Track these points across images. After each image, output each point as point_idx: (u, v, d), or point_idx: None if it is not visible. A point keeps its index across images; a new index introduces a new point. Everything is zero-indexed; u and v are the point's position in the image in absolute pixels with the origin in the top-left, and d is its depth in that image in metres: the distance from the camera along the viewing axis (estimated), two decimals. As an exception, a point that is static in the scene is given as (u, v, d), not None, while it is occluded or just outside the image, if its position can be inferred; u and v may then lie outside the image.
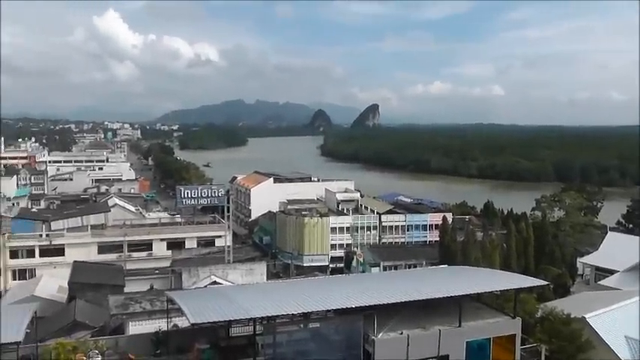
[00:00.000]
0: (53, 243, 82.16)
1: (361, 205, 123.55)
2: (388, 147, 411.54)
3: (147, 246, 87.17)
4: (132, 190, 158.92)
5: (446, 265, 61.01)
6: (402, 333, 33.51)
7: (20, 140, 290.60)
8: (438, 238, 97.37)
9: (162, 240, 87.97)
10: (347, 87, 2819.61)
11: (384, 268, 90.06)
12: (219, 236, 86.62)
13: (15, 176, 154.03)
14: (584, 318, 43.05)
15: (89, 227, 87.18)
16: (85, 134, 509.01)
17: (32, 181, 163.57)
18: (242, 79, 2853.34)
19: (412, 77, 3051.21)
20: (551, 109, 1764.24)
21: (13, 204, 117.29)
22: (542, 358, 38.43)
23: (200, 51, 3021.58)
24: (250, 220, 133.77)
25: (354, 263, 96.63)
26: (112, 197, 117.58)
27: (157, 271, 71.99)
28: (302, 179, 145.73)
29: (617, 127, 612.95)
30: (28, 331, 31.81)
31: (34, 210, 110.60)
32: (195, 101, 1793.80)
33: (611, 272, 65.68)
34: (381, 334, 33.11)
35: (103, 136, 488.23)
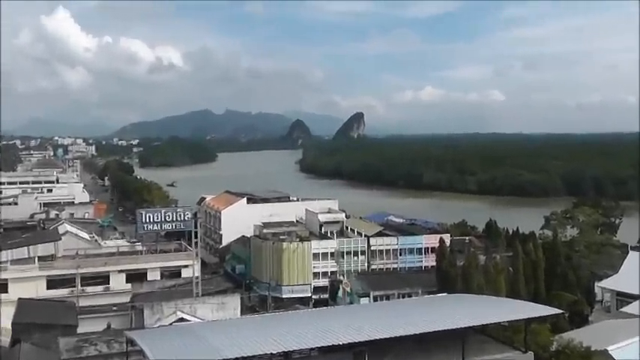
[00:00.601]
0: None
1: (347, 228, 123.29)
2: (375, 160, 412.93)
3: (103, 279, 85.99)
4: (86, 215, 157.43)
5: (445, 294, 60.84)
6: (397, 373, 33.09)
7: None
8: (434, 263, 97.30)
9: (120, 272, 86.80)
10: (327, 94, 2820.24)
11: (375, 299, 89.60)
12: (186, 266, 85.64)
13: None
14: (607, 351, 42.88)
15: (36, 259, 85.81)
16: (31, 151, 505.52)
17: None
18: (209, 86, 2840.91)
19: (400, 82, 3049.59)
20: (557, 114, 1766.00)
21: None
22: (558, 397, 38.14)
23: (162, 54, 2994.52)
24: (221, 246, 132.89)
25: (340, 294, 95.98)
26: (62, 223, 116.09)
27: (114, 308, 71.02)
28: (279, 199, 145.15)
29: (632, 134, 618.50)
30: (-36, 381, 31.00)
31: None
32: (157, 112, 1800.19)
33: (635, 297, 65.61)
34: (373, 375, 32.68)
35: (52, 153, 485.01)
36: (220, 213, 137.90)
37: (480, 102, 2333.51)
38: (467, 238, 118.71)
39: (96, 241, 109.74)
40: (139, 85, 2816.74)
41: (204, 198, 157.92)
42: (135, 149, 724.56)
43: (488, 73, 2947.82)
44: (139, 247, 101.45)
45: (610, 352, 42.90)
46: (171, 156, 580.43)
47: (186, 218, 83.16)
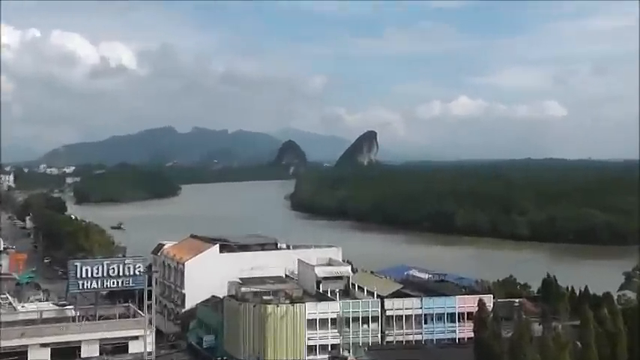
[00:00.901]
0: None
1: (353, 285, 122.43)
2: (392, 195, 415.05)
3: (19, 355, 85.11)
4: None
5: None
6: None
7: None
8: (472, 334, 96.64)
9: (43, 345, 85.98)
10: (329, 106, 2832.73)
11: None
12: (136, 337, 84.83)
13: None
14: None
15: None
16: None
17: None
18: (172, 96, 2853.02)
19: (424, 91, 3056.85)
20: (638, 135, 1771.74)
21: None
22: None
23: (108, 53, 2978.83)
24: (184, 310, 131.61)
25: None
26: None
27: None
28: (263, 246, 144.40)
29: None
30: None
31: None
32: (100, 130, 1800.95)
33: None
34: None
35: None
36: (183, 265, 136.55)
37: (532, 117, 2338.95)
38: (516, 300, 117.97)
39: (10, 304, 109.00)
40: (77, 94, 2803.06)
41: (162, 245, 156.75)
42: (69, 179, 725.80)
43: (545, 80, 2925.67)
44: (70, 311, 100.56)
45: None
46: (119, 188, 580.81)
47: (136, 272, 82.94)
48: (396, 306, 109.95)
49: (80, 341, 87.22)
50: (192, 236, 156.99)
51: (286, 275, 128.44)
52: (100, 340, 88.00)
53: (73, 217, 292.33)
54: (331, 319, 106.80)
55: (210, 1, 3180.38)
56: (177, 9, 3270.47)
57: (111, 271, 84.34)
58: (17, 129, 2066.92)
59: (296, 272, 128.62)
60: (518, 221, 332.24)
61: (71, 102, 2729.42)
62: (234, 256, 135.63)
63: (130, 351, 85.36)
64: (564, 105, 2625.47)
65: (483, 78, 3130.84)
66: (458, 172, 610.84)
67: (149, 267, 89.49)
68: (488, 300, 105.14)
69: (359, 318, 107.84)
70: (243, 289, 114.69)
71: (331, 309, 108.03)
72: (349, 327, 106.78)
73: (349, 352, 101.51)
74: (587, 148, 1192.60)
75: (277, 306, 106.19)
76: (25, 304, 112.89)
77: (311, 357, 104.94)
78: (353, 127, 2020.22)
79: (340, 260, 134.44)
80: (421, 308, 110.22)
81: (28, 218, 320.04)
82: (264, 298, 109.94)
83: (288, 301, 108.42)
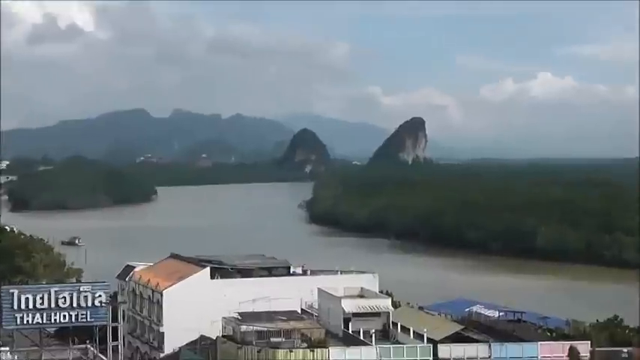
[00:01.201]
0: None
1: (395, 325, 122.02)
2: (447, 205, 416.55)
3: None
4: None
5: None
6: None
7: None
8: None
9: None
10: (358, 85, 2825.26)
11: None
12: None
13: None
14: None
15: None
16: None
17: None
18: (145, 69, 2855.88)
19: (492, 64, 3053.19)
20: None
21: None
22: None
23: (58, 10, 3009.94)
24: (163, 355, 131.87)
25: None
26: None
27: None
28: (270, 270, 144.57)
29: None
30: None
31: None
32: (46, 113, 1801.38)
33: None
34: None
35: None
36: (161, 294, 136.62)
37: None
38: (625, 350, 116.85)
39: None
40: (14, 63, 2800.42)
41: (133, 267, 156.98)
42: (3, 178, 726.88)
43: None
44: (5, 355, 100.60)
45: None
46: (72, 191, 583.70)
47: (96, 303, 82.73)
48: (454, 354, 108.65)
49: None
50: (173, 256, 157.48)
51: (303, 310, 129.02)
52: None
53: (8, 228, 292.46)
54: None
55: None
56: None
57: (61, 302, 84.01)
58: None
59: (316, 306, 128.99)
60: (624, 242, 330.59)
61: (6, 74, 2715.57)
62: (230, 284, 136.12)
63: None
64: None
65: (575, 48, 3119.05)
66: (539, 174, 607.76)
67: (114, 296, 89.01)
68: (584, 348, 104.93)
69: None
70: (243, 327, 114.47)
71: (365, 356, 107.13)
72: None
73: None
74: None
75: (290, 351, 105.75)
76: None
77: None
78: (392, 113, 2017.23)
79: (376, 291, 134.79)
80: (489, 358, 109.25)
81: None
82: (273, 340, 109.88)
83: (305, 345, 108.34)
